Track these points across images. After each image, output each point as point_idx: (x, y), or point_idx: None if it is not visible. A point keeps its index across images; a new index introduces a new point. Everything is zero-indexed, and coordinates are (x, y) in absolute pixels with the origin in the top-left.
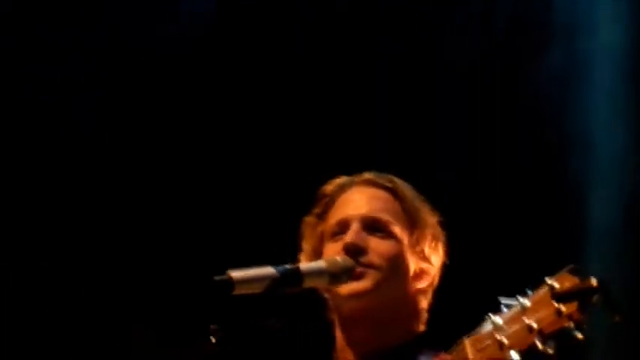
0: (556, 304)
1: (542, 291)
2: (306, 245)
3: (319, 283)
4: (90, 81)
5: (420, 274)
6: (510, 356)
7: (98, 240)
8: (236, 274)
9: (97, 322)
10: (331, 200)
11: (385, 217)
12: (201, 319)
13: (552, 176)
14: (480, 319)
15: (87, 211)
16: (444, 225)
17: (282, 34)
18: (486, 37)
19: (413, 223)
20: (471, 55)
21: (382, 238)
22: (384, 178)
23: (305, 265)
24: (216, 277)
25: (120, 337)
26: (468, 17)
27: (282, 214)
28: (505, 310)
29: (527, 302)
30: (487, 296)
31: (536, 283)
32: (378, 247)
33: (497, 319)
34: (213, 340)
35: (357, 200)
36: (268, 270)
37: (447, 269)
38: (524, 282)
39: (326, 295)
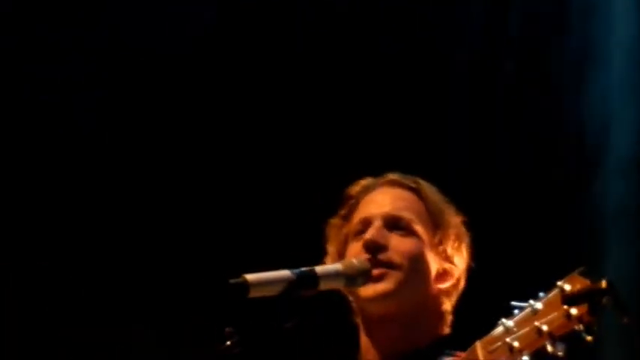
0: (566, 307)
1: (553, 294)
2: (331, 247)
3: (335, 286)
4: (90, 81)
5: (443, 274)
6: (521, 359)
7: (98, 240)
8: (251, 276)
9: (97, 322)
10: (356, 201)
11: (408, 215)
12: (216, 322)
13: (565, 176)
14: (494, 322)
15: (87, 211)
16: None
17: (282, 34)
18: (498, 30)
19: (436, 224)
20: (477, 52)
21: (404, 236)
22: (409, 179)
23: (321, 267)
24: (232, 280)
25: (120, 337)
26: (468, 16)
27: (296, 217)
28: (517, 313)
29: (538, 305)
30: (501, 298)
31: (550, 285)
32: (399, 245)
33: (509, 322)
34: (229, 343)
35: (381, 200)
36: (284, 273)
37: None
38: (538, 285)
39: (350, 298)
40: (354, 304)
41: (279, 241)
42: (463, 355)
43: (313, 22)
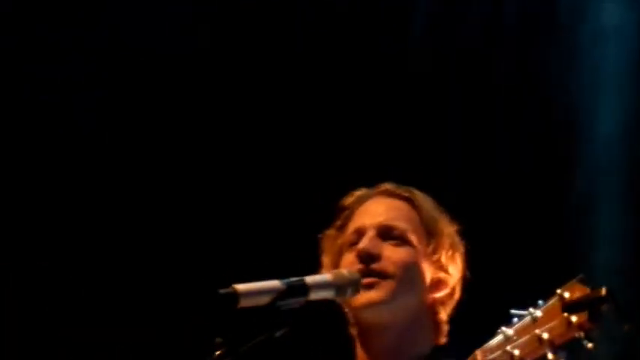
0: (566, 315)
1: (553, 301)
2: (326, 259)
3: (325, 296)
4: (90, 81)
5: (438, 283)
6: None
7: (98, 240)
8: (241, 287)
9: (97, 322)
10: (350, 212)
11: (401, 225)
12: (206, 332)
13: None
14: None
15: (87, 212)
16: (464, 235)
17: (282, 34)
18: (497, 30)
19: (430, 233)
20: (476, 52)
21: (397, 245)
22: (402, 189)
23: (311, 277)
24: (221, 290)
25: (120, 337)
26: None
27: (290, 227)
28: (516, 321)
29: (537, 313)
30: (500, 299)
31: (547, 287)
32: (392, 254)
33: (508, 331)
34: (218, 353)
35: (374, 210)
36: (273, 283)
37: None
38: (536, 284)
39: (346, 309)
40: (349, 315)
41: (272, 251)
42: None
43: (313, 22)
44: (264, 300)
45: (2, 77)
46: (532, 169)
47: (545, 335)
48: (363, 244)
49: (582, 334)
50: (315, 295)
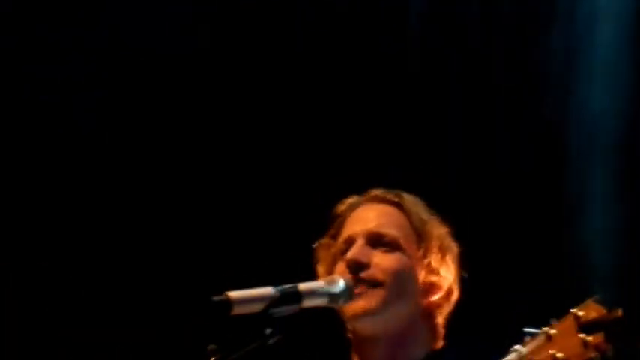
0: (582, 335)
1: (568, 321)
2: (321, 268)
3: (318, 303)
4: (90, 81)
5: (431, 287)
6: None
7: (98, 240)
8: (234, 294)
9: (97, 322)
10: (343, 220)
11: (390, 231)
12: (199, 339)
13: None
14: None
15: (87, 212)
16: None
17: (282, 34)
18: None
19: (420, 236)
20: (475, 52)
21: (386, 252)
22: (391, 194)
23: (304, 284)
24: (215, 297)
25: (120, 337)
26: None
27: (290, 228)
28: (529, 339)
29: (552, 332)
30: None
31: (549, 293)
32: (381, 261)
33: (522, 349)
34: None
35: (365, 217)
36: (267, 290)
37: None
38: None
39: (344, 318)
40: (347, 324)
41: (267, 258)
42: None
43: (313, 22)
44: (258, 307)
45: (2, 77)
46: (532, 169)
47: (560, 355)
48: (352, 253)
49: (598, 354)
50: (308, 303)
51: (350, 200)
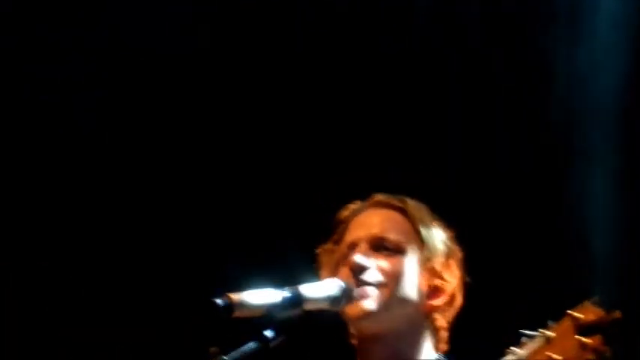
0: (580, 337)
1: (566, 323)
2: (324, 273)
3: (320, 306)
4: (90, 81)
5: (434, 291)
6: None
7: (98, 240)
8: (235, 296)
9: (97, 323)
10: (346, 225)
11: (393, 235)
12: (201, 342)
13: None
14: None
15: (87, 212)
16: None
17: (282, 34)
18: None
19: (423, 241)
20: (475, 52)
21: (390, 255)
22: (395, 199)
23: (305, 287)
24: (216, 300)
25: (120, 338)
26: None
27: (289, 230)
28: (526, 341)
29: (549, 334)
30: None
31: (549, 293)
32: (384, 265)
33: (520, 351)
34: None
35: (368, 222)
36: (268, 292)
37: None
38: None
39: (347, 321)
40: (350, 326)
41: (269, 261)
42: None
43: (313, 22)
44: (259, 310)
45: (2, 77)
46: (532, 169)
47: (558, 357)
48: (355, 257)
49: (596, 357)
50: (310, 305)
51: (353, 206)
